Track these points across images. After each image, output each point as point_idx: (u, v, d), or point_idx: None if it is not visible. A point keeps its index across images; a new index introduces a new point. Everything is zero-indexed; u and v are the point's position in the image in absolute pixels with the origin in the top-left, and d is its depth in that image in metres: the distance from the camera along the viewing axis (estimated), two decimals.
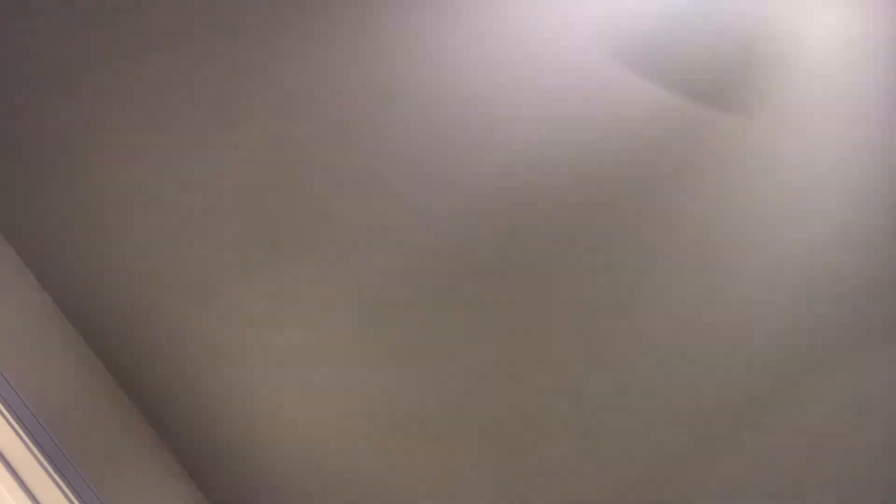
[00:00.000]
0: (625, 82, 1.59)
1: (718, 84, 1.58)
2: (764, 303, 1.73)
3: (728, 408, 1.81)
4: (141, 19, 1.65)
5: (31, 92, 1.73)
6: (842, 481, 1.82)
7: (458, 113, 1.66)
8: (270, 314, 1.87)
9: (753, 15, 1.53)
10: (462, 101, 1.65)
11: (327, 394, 1.93)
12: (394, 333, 1.86)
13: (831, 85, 1.56)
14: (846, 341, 1.74)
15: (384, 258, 1.80)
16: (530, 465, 1.92)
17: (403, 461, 1.96)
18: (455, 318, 1.83)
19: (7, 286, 1.79)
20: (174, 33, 1.66)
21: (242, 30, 1.65)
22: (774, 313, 1.74)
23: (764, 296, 1.73)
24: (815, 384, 1.77)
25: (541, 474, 1.92)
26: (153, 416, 2.00)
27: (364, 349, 1.88)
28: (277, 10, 1.62)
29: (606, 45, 1.56)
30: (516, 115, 1.65)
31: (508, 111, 1.65)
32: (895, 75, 1.54)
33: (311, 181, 1.75)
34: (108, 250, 1.86)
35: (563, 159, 1.66)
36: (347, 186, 1.75)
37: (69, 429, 1.68)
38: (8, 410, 1.55)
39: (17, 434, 1.55)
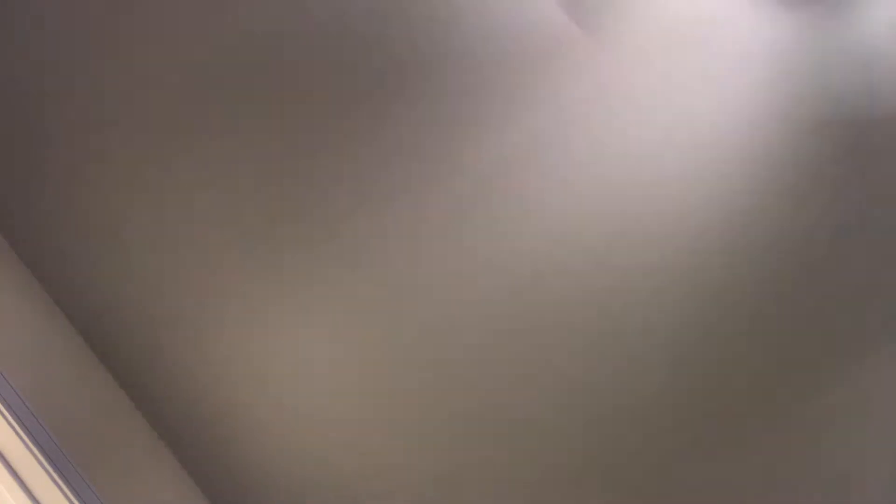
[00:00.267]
0: None
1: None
2: (763, 301, 1.73)
3: (728, 407, 1.81)
4: (141, 18, 1.65)
5: (31, 92, 1.73)
6: (842, 481, 1.82)
7: (452, 105, 1.66)
8: (271, 314, 1.87)
9: None
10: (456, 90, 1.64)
11: (328, 394, 1.93)
12: (395, 333, 1.86)
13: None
14: (846, 340, 1.74)
15: (386, 257, 1.80)
16: (532, 466, 1.92)
17: (405, 461, 1.96)
18: (456, 317, 1.83)
19: (7, 286, 1.78)
20: (174, 32, 1.66)
21: (242, 30, 1.65)
22: (774, 312, 1.74)
23: (760, 293, 1.73)
24: (816, 383, 1.77)
25: (543, 476, 1.92)
26: (153, 416, 2.00)
27: (365, 349, 1.88)
28: (277, 12, 1.62)
29: None
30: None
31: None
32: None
33: (312, 181, 1.75)
34: (109, 250, 1.86)
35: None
36: (348, 187, 1.75)
37: (69, 429, 1.68)
38: (8, 410, 1.55)
39: (17, 434, 1.55)
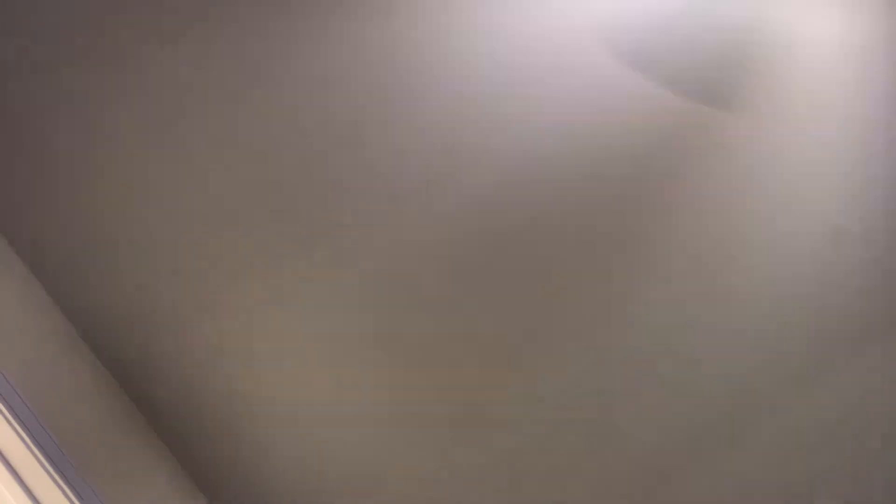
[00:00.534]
0: (624, 79, 1.59)
1: (714, 81, 1.59)
2: (762, 301, 1.73)
3: (728, 406, 1.82)
4: (141, 18, 1.65)
5: (31, 92, 1.73)
6: (843, 480, 1.82)
7: (461, 114, 1.66)
8: (271, 314, 1.87)
9: (747, 13, 1.54)
10: (466, 101, 1.65)
11: (328, 394, 1.93)
12: (395, 334, 1.86)
13: (824, 83, 1.56)
14: (846, 339, 1.74)
15: (386, 259, 1.80)
16: (533, 466, 1.92)
17: (405, 461, 1.96)
18: (457, 317, 1.83)
19: (7, 286, 1.78)
20: (175, 32, 1.66)
21: (244, 30, 1.65)
22: (773, 312, 1.74)
23: (763, 293, 1.73)
24: (816, 382, 1.77)
25: (544, 475, 1.92)
26: (153, 416, 2.00)
27: (365, 350, 1.88)
28: (284, 13, 1.62)
29: (606, 41, 1.56)
30: (518, 114, 1.65)
31: (511, 110, 1.65)
32: (885, 74, 1.55)
33: (312, 182, 1.75)
34: (109, 250, 1.86)
35: (564, 157, 1.67)
36: (349, 186, 1.75)
37: (69, 429, 1.68)
38: (8, 410, 1.55)
39: (17, 434, 1.55)
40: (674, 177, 1.66)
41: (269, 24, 1.64)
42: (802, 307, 1.72)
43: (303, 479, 2.01)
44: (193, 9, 1.64)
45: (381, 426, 1.94)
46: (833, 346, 1.74)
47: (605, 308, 1.78)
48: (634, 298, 1.77)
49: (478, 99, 1.65)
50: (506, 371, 1.86)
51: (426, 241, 1.77)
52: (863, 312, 1.72)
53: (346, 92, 1.68)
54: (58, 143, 1.77)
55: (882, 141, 1.59)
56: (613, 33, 1.56)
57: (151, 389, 1.97)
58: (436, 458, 1.94)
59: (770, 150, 1.63)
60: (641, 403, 1.83)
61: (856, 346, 1.73)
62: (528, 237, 1.75)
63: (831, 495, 1.82)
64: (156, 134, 1.74)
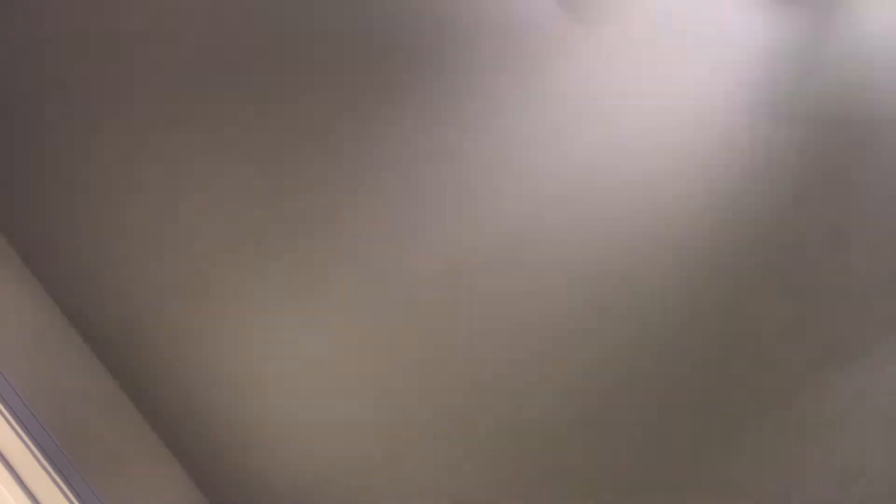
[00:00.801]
0: None
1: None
2: (761, 301, 1.73)
3: (727, 406, 1.81)
4: (141, 18, 1.65)
5: (31, 92, 1.73)
6: (842, 480, 1.82)
7: (454, 106, 1.66)
8: (271, 314, 1.87)
9: None
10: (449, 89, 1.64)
11: (328, 394, 1.93)
12: (395, 334, 1.86)
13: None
14: (849, 337, 1.74)
15: (385, 259, 1.80)
16: (532, 466, 1.92)
17: (404, 461, 1.96)
18: (456, 317, 1.83)
19: (7, 286, 1.78)
20: (175, 33, 1.66)
21: (244, 30, 1.65)
22: (772, 311, 1.74)
23: (762, 292, 1.73)
24: (819, 381, 1.77)
25: (543, 474, 1.92)
26: (153, 416, 2.00)
27: (365, 349, 1.88)
28: (277, 7, 1.62)
29: None
30: None
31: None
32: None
33: (312, 181, 1.75)
34: (108, 250, 1.86)
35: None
36: (348, 186, 1.75)
37: (69, 429, 1.68)
38: (8, 410, 1.55)
39: (17, 434, 1.55)
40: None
41: (265, 21, 1.64)
42: (801, 307, 1.72)
43: (302, 479, 2.01)
44: (194, 11, 1.64)
45: (380, 426, 1.94)
46: (837, 345, 1.74)
47: (607, 311, 1.78)
48: (635, 303, 1.76)
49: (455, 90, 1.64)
50: (506, 371, 1.86)
51: (425, 241, 1.77)
52: (868, 310, 1.71)
53: (343, 90, 1.67)
54: (59, 144, 1.77)
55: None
56: None
57: (151, 389, 1.97)
58: (435, 459, 1.94)
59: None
60: (640, 402, 1.83)
61: (864, 344, 1.73)
62: (531, 235, 1.75)
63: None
64: (156, 134, 1.74)
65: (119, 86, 1.71)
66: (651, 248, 1.72)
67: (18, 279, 1.83)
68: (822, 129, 1.59)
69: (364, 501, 2.01)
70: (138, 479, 1.86)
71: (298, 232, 1.80)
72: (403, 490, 1.99)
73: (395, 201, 1.75)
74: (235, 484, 2.05)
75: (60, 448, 1.61)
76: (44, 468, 1.56)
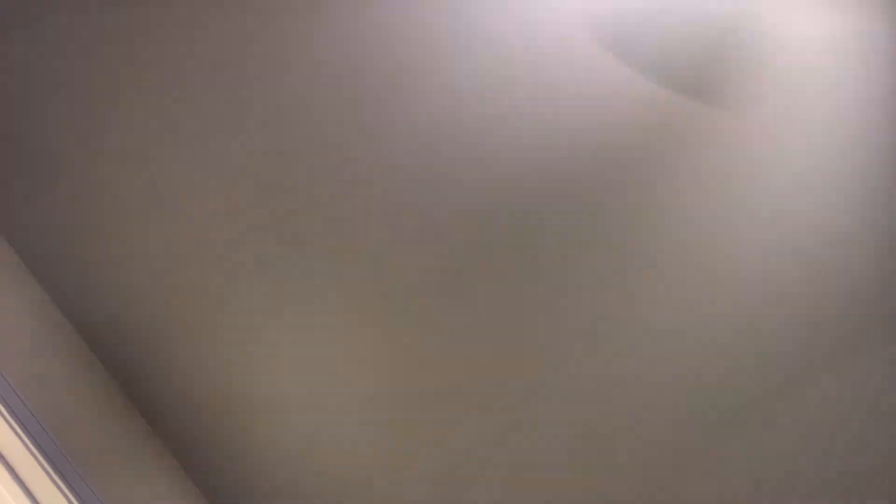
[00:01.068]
0: (613, 72, 1.59)
1: (704, 78, 1.58)
2: (756, 302, 1.73)
3: (728, 407, 1.81)
4: (143, 21, 1.65)
5: (31, 92, 1.73)
6: (843, 480, 1.82)
7: (453, 108, 1.66)
8: (271, 315, 1.87)
9: (738, 9, 1.53)
10: (458, 93, 1.65)
11: (328, 394, 1.93)
12: (395, 334, 1.86)
13: (812, 83, 1.56)
14: (845, 340, 1.74)
15: (385, 259, 1.80)
16: (530, 466, 1.92)
17: (404, 461, 1.96)
18: (456, 317, 1.83)
19: (7, 286, 1.79)
20: (177, 35, 1.66)
21: (244, 30, 1.65)
22: (767, 313, 1.74)
23: (756, 295, 1.73)
24: (816, 383, 1.77)
25: (539, 473, 1.92)
26: (153, 416, 2.00)
27: (365, 349, 1.88)
28: (278, 14, 1.62)
29: (594, 34, 1.56)
30: (506, 111, 1.65)
31: (499, 108, 1.65)
32: (876, 74, 1.54)
33: (312, 181, 1.75)
34: (108, 250, 1.86)
35: (552, 150, 1.66)
36: (349, 186, 1.75)
37: (69, 429, 1.68)
38: (8, 410, 1.55)
39: (17, 434, 1.55)
40: (667, 173, 1.66)
41: (269, 27, 1.64)
42: (797, 308, 1.72)
43: (302, 479, 2.01)
44: (196, 13, 1.64)
45: (380, 426, 1.94)
46: (834, 347, 1.74)
47: (603, 308, 1.78)
48: (631, 299, 1.76)
49: (466, 97, 1.65)
50: (506, 371, 1.86)
51: (423, 242, 1.77)
52: (862, 314, 1.71)
53: (341, 92, 1.68)
54: (59, 144, 1.77)
55: (872, 141, 1.58)
56: (602, 24, 1.56)
57: (151, 389, 1.97)
58: (435, 459, 1.94)
59: (765, 147, 1.62)
60: (643, 402, 1.83)
61: (860, 346, 1.73)
62: (522, 237, 1.75)
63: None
64: (155, 134, 1.74)
65: (119, 85, 1.71)
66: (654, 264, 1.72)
67: (18, 279, 1.83)
68: None
69: (365, 501, 2.01)
70: (138, 479, 1.86)
71: (301, 232, 1.80)
72: (404, 491, 1.99)
73: (400, 199, 1.75)
74: (235, 484, 2.05)
75: (60, 448, 1.61)
76: (44, 468, 1.56)
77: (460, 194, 1.73)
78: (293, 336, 1.89)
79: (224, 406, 1.97)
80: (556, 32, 1.58)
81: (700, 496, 1.87)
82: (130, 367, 1.96)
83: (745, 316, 1.74)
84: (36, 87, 1.73)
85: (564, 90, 1.62)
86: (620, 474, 1.89)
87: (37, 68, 1.71)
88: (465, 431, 1.92)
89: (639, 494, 1.90)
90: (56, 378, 1.77)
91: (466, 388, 1.88)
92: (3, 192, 1.83)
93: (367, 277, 1.82)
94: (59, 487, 1.56)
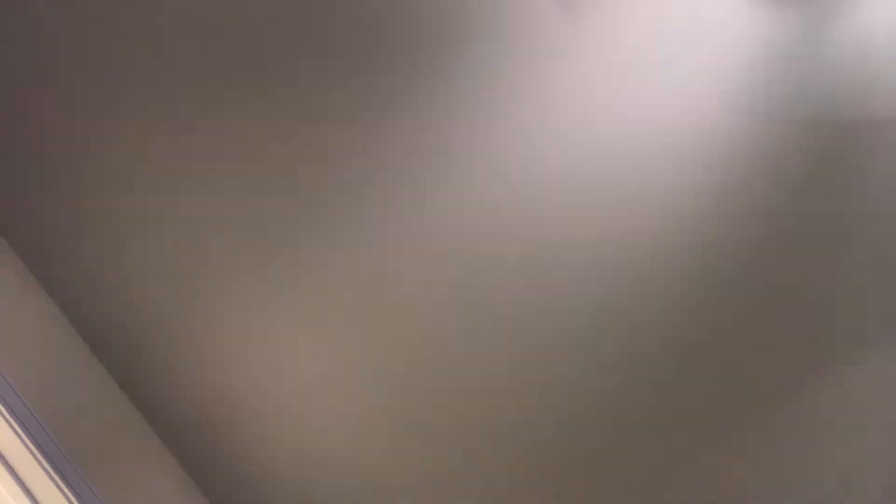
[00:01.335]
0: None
1: None
2: (760, 300, 1.73)
3: (726, 407, 1.81)
4: (143, 20, 1.65)
5: (31, 92, 1.73)
6: (842, 481, 1.82)
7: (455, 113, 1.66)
8: (271, 315, 1.87)
9: None
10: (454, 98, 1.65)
11: (327, 394, 1.93)
12: (394, 334, 1.86)
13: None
14: (845, 340, 1.74)
15: (385, 259, 1.80)
16: (529, 465, 1.92)
17: (404, 461, 1.96)
18: (455, 317, 1.83)
19: (7, 287, 1.79)
20: (178, 36, 1.66)
21: (245, 28, 1.65)
22: (772, 312, 1.74)
23: (756, 294, 1.73)
24: (816, 383, 1.77)
25: (539, 474, 1.92)
26: (153, 416, 2.00)
27: (364, 349, 1.88)
28: (278, 13, 1.62)
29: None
30: (522, 116, 1.65)
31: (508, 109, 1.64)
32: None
33: (312, 182, 1.75)
34: (108, 250, 1.86)
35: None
36: (348, 187, 1.75)
37: (69, 429, 1.68)
38: (8, 410, 1.55)
39: (17, 434, 1.55)
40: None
41: (271, 27, 1.64)
42: (797, 308, 1.72)
43: (302, 479, 2.02)
44: (198, 12, 1.64)
45: (380, 427, 1.94)
46: (835, 347, 1.74)
47: (601, 314, 1.78)
48: (635, 302, 1.77)
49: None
50: (505, 371, 1.86)
51: (423, 241, 1.77)
52: (861, 313, 1.71)
53: (342, 92, 1.68)
54: (59, 144, 1.77)
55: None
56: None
57: (151, 389, 1.97)
58: (435, 460, 1.95)
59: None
60: (642, 403, 1.83)
61: (861, 346, 1.73)
62: (532, 236, 1.75)
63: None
64: (155, 134, 1.74)
65: (119, 85, 1.71)
66: (645, 248, 1.72)
67: (18, 279, 1.83)
68: (820, 130, 1.59)
69: (364, 501, 2.01)
70: (138, 479, 1.87)
71: (301, 232, 1.80)
72: (404, 490, 1.99)
73: (398, 202, 1.75)
74: (235, 484, 2.05)
75: (60, 448, 1.61)
76: (44, 468, 1.56)
77: (463, 195, 1.73)
78: (293, 336, 1.89)
79: (224, 406, 1.97)
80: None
81: (698, 496, 1.87)
82: (131, 366, 1.96)
83: (744, 315, 1.75)
84: (35, 86, 1.73)
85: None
86: (622, 475, 1.89)
87: (37, 68, 1.71)
88: (465, 431, 1.92)
89: (640, 496, 1.90)
90: (56, 378, 1.77)
91: (466, 388, 1.88)
92: (2, 192, 1.83)
93: (366, 277, 1.82)
94: (59, 487, 1.56)
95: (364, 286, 1.82)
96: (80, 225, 1.84)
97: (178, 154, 1.76)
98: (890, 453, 1.79)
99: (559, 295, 1.78)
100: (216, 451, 2.02)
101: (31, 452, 1.56)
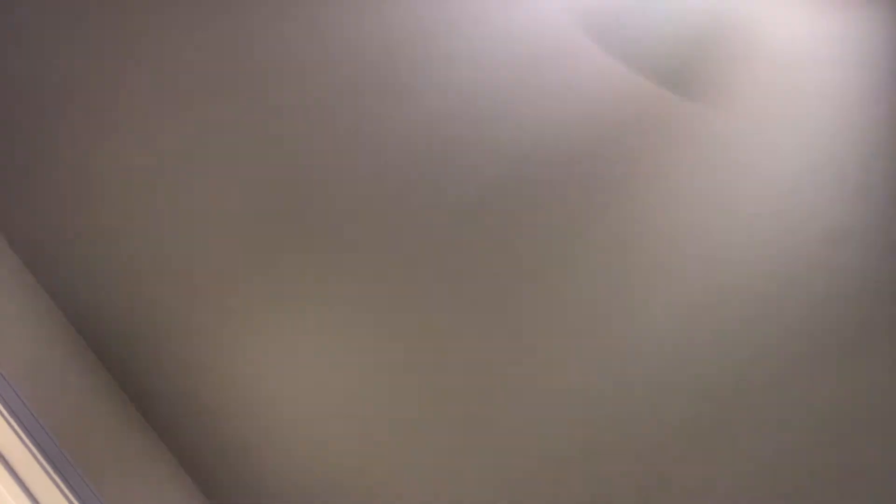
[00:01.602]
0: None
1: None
2: (752, 298, 1.73)
3: (725, 407, 1.81)
4: (141, 13, 1.65)
5: (30, 92, 1.73)
6: (842, 481, 1.82)
7: (444, 105, 1.66)
8: (271, 314, 1.88)
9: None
10: (448, 91, 1.65)
11: (327, 394, 1.94)
12: (394, 334, 1.86)
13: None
14: (845, 340, 1.74)
15: (385, 258, 1.80)
16: (528, 466, 1.92)
17: (403, 461, 1.96)
18: (455, 317, 1.83)
19: (7, 286, 1.79)
20: (177, 31, 1.66)
21: (245, 29, 1.65)
22: (771, 312, 1.74)
23: (746, 287, 1.72)
24: (815, 383, 1.77)
25: (539, 475, 1.92)
26: (153, 416, 2.00)
27: (365, 349, 1.88)
28: (284, 9, 1.63)
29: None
30: (498, 107, 1.64)
31: (493, 104, 1.65)
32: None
33: (313, 181, 1.75)
34: (108, 250, 1.86)
35: (538, 146, 1.65)
36: (348, 185, 1.75)
37: (69, 429, 1.69)
38: (8, 410, 1.55)
39: (17, 434, 1.55)
40: (659, 171, 1.65)
41: (268, 22, 1.64)
42: (795, 307, 1.72)
43: (302, 479, 2.02)
44: (197, 8, 1.65)
45: (380, 426, 1.94)
46: (834, 347, 1.74)
47: (600, 306, 1.78)
48: (629, 297, 1.76)
49: (464, 93, 1.65)
50: (505, 372, 1.86)
51: (423, 241, 1.77)
52: (859, 315, 1.71)
53: (341, 89, 1.68)
54: (59, 143, 1.77)
55: (868, 140, 1.58)
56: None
57: (151, 389, 1.98)
58: (435, 459, 1.95)
59: (757, 142, 1.62)
60: (639, 401, 1.83)
61: (859, 347, 1.73)
62: (520, 234, 1.74)
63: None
64: (155, 133, 1.74)
65: (119, 85, 1.71)
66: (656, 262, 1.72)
67: (18, 280, 1.83)
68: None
69: (365, 501, 2.02)
70: (138, 479, 1.87)
71: (305, 233, 1.80)
72: (404, 490, 1.99)
73: (400, 198, 1.75)
74: (235, 484, 2.05)
75: (60, 448, 1.61)
76: (44, 468, 1.56)
77: (460, 194, 1.73)
78: (293, 336, 1.89)
79: (224, 406, 1.97)
80: (543, 25, 1.57)
81: (698, 496, 1.88)
82: (131, 367, 1.96)
83: (744, 316, 1.74)
84: (36, 87, 1.73)
85: (550, 84, 1.61)
86: (621, 471, 1.89)
87: (37, 68, 1.71)
88: (465, 431, 1.92)
89: (641, 495, 1.90)
90: (56, 378, 1.77)
91: (465, 388, 1.88)
92: (3, 192, 1.83)
93: (365, 278, 1.82)
94: (59, 487, 1.56)
95: (370, 287, 1.82)
96: (80, 225, 1.84)
97: (179, 155, 1.76)
98: (890, 454, 1.79)
99: (558, 290, 1.78)
100: (216, 451, 2.02)
101: (31, 452, 1.56)
